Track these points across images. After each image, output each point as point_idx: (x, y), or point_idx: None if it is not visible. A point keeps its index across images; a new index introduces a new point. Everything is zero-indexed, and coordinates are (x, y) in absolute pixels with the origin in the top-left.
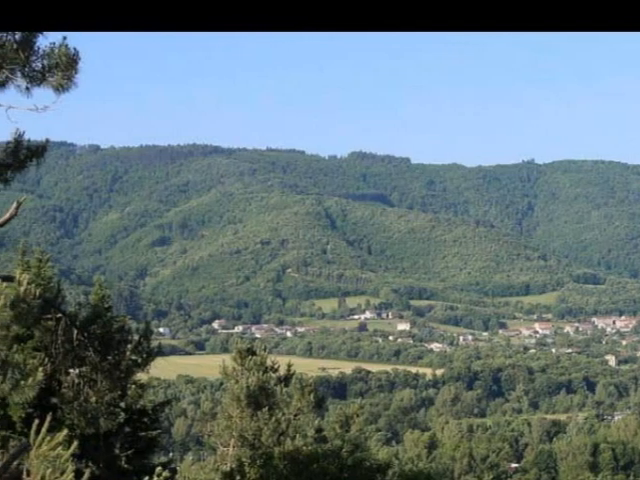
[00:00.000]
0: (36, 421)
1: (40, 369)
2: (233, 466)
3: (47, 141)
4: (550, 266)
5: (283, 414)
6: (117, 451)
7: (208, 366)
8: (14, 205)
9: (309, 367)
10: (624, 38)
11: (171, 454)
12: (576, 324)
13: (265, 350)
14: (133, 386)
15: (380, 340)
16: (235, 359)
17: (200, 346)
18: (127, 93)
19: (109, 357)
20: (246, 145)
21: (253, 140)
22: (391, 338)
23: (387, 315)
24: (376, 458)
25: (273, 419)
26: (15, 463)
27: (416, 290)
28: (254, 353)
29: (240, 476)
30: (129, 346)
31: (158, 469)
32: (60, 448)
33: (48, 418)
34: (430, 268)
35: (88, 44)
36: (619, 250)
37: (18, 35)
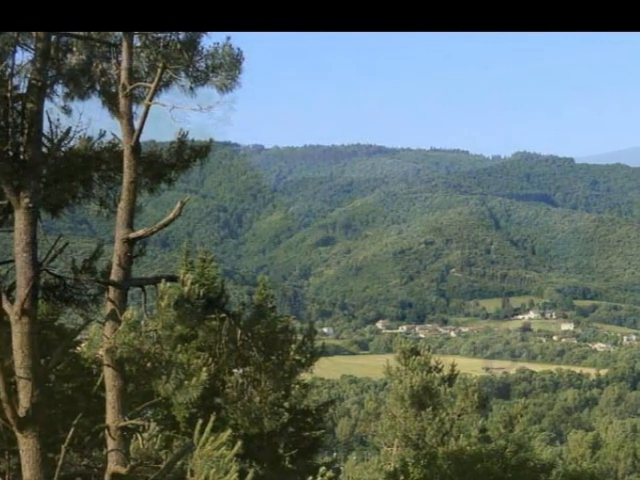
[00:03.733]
0: (200, 421)
1: (204, 369)
2: (397, 466)
3: (211, 141)
4: None
5: (447, 414)
6: (281, 451)
7: (372, 366)
8: (178, 205)
9: (473, 367)
10: None
11: (335, 454)
12: None
13: (429, 350)
14: (297, 386)
15: (544, 340)
16: (399, 359)
17: (364, 346)
18: (291, 93)
19: (273, 357)
20: (410, 145)
21: (417, 140)
22: (555, 338)
23: (551, 315)
24: (540, 458)
25: (437, 419)
26: (179, 463)
27: (580, 290)
28: (418, 353)
29: (404, 476)
30: (293, 346)
31: (322, 469)
32: (224, 448)
33: (212, 418)
34: (594, 268)
35: (253, 44)
36: None
37: (182, 35)
